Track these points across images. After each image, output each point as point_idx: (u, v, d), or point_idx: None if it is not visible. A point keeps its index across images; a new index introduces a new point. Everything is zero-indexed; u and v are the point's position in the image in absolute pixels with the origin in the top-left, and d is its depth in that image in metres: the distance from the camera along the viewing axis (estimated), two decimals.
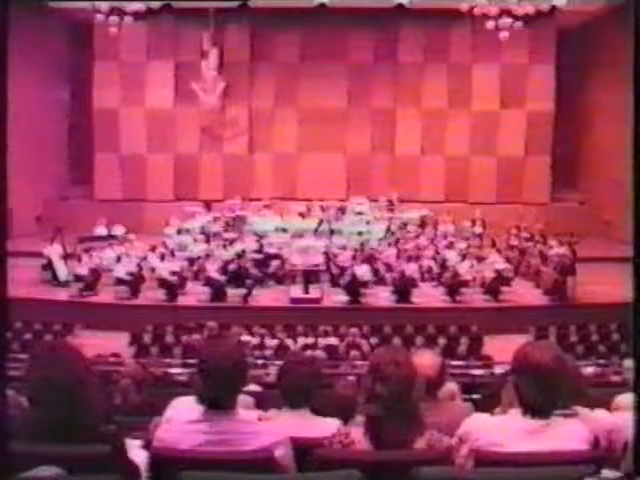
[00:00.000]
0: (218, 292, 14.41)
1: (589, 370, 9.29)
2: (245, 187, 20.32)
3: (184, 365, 10.39)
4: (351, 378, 7.43)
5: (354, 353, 11.16)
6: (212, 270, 14.69)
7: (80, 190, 21.17)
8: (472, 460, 2.57)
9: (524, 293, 15.13)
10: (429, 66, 20.56)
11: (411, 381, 2.59)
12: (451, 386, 4.22)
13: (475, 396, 6.13)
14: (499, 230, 18.07)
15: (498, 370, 9.94)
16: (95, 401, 2.53)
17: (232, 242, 16.51)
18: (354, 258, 15.48)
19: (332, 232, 17.51)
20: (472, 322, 13.33)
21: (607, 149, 18.74)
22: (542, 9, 18.07)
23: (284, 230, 17.61)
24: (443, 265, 15.57)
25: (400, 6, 18.93)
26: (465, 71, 20.43)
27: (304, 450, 2.63)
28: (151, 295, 14.63)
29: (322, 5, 18.78)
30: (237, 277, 14.71)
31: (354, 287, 14.41)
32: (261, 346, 11.89)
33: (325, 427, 2.95)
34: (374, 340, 12.21)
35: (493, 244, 16.99)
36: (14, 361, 4.37)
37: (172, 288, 14.45)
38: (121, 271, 14.73)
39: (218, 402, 2.62)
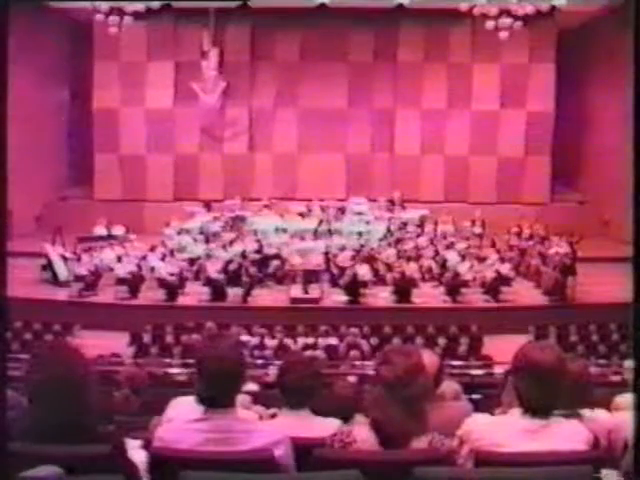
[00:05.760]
0: (218, 292, 14.42)
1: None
2: (245, 187, 20.30)
3: (184, 365, 10.41)
4: (351, 378, 7.44)
5: (354, 353, 11.18)
6: (212, 270, 14.70)
7: (80, 190, 21.15)
8: (472, 460, 2.57)
9: (524, 293, 15.12)
10: (429, 66, 20.54)
11: (417, 370, 2.59)
12: (454, 386, 4.23)
13: (475, 396, 6.13)
14: (499, 230, 18.06)
15: (498, 370, 9.96)
16: (95, 401, 2.53)
17: (232, 242, 16.52)
18: (354, 258, 15.49)
19: (332, 232, 17.52)
20: (472, 322, 13.34)
21: (607, 149, 18.74)
22: (542, 9, 18.06)
23: (284, 230, 17.61)
24: (443, 265, 15.58)
25: (400, 6, 18.90)
26: (465, 71, 20.41)
27: (304, 450, 2.63)
28: (151, 295, 14.64)
29: (322, 5, 18.75)
30: (237, 277, 14.71)
31: (354, 287, 14.41)
32: (261, 346, 11.91)
33: (325, 427, 2.95)
34: (374, 340, 12.23)
35: (493, 244, 16.99)
36: (14, 361, 4.36)
37: (172, 288, 14.46)
38: (121, 271, 14.75)
39: (217, 402, 2.62)
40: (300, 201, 19.58)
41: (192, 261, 15.85)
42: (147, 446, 2.82)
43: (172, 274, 14.63)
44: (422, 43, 20.34)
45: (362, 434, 2.59)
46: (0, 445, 2.24)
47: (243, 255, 15.52)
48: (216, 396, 2.62)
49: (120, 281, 14.66)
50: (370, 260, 15.60)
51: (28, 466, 2.25)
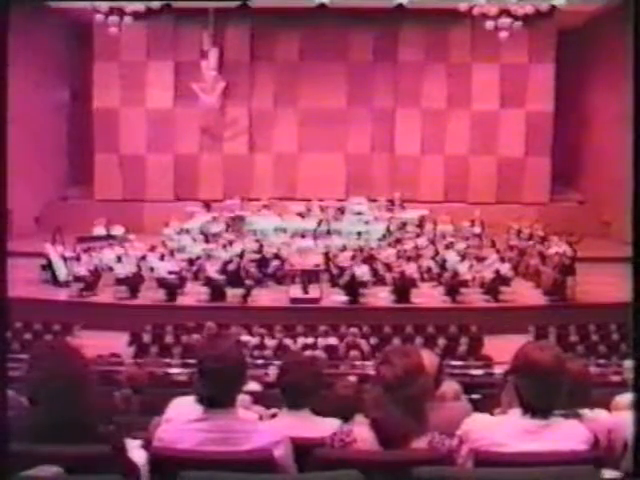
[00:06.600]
0: (217, 292, 14.42)
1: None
2: (245, 187, 20.31)
3: (184, 365, 10.39)
4: (351, 378, 7.43)
5: (354, 353, 11.16)
6: (211, 270, 14.70)
7: (80, 190, 21.17)
8: (472, 460, 2.57)
9: (524, 293, 15.12)
10: (429, 66, 20.57)
11: (417, 370, 2.59)
12: (454, 386, 4.23)
13: (475, 396, 6.13)
14: (499, 230, 18.07)
15: (498, 370, 9.95)
16: (95, 401, 2.53)
17: (231, 242, 16.52)
18: (353, 258, 15.49)
19: (331, 232, 17.53)
20: (472, 322, 13.32)
21: (607, 149, 18.74)
22: (542, 9, 18.10)
23: (284, 230, 17.64)
24: (442, 265, 15.58)
25: (400, 6, 18.93)
26: (465, 71, 20.43)
27: (304, 450, 2.63)
28: (151, 295, 14.64)
29: (322, 5, 18.77)
30: (236, 277, 14.71)
31: (353, 287, 14.42)
32: (261, 346, 11.90)
33: (325, 427, 2.95)
34: (374, 340, 12.22)
35: (492, 244, 16.99)
36: (14, 361, 4.36)
37: (171, 288, 14.47)
38: (121, 271, 14.75)
39: (217, 402, 2.62)
40: (300, 201, 19.60)
41: (191, 261, 15.85)
42: (147, 446, 2.82)
43: (172, 272, 14.63)
44: (422, 43, 20.36)
45: (362, 434, 2.59)
46: (0, 445, 2.24)
47: (242, 255, 15.53)
48: (216, 396, 2.62)
49: (120, 281, 14.67)
50: (370, 260, 15.60)
51: (28, 466, 2.25)
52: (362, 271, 14.67)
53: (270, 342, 12.04)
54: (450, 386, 4.07)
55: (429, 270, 15.77)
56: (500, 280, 14.67)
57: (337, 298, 14.65)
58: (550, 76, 20.20)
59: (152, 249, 16.02)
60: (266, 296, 14.92)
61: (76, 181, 21.45)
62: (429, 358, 3.39)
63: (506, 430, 2.56)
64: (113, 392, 6.59)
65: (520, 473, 2.40)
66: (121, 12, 18.01)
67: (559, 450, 2.50)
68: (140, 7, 18.10)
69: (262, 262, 15.75)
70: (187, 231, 17.52)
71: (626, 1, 14.29)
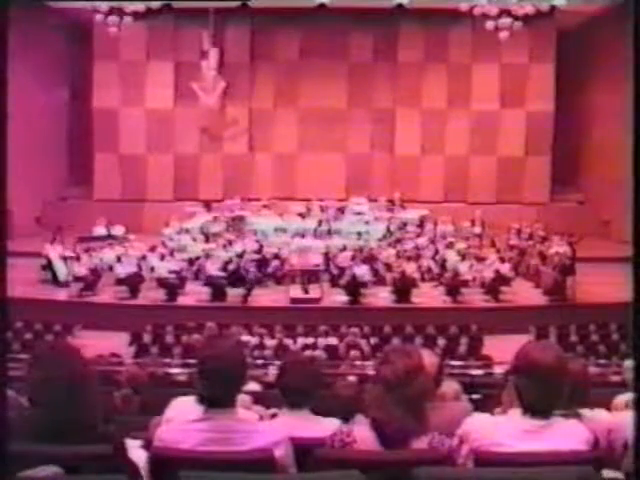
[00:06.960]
0: (218, 292, 14.42)
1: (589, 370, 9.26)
2: (245, 187, 20.32)
3: (184, 365, 10.39)
4: (351, 378, 7.44)
5: (354, 353, 11.16)
6: (212, 270, 14.70)
7: (80, 190, 21.15)
8: (472, 460, 2.57)
9: (524, 293, 15.12)
10: (429, 66, 20.57)
11: (417, 370, 2.60)
12: (454, 386, 4.23)
13: (475, 396, 6.13)
14: (499, 230, 18.07)
15: (498, 370, 9.95)
16: (95, 401, 2.53)
17: (231, 242, 16.53)
18: (354, 258, 15.49)
19: (331, 232, 17.53)
20: (472, 322, 13.33)
21: (607, 149, 18.73)
22: (542, 9, 18.07)
23: (284, 230, 17.63)
24: (443, 265, 15.59)
25: (400, 6, 18.93)
26: (465, 71, 20.43)
27: (304, 450, 2.63)
28: (151, 295, 14.64)
29: (322, 5, 18.76)
30: (236, 277, 14.71)
31: (354, 287, 14.41)
32: (261, 346, 11.90)
33: (325, 427, 2.95)
34: (374, 340, 12.22)
35: (493, 244, 16.99)
36: (14, 361, 4.36)
37: (172, 288, 14.46)
38: (121, 271, 14.75)
39: (218, 401, 2.62)
40: (300, 201, 19.60)
41: (191, 261, 15.85)
42: (147, 446, 2.82)
43: (172, 272, 14.63)
44: (422, 43, 20.36)
45: (362, 434, 2.59)
46: (0, 445, 2.24)
47: (241, 255, 15.53)
48: (216, 396, 2.62)
49: (120, 281, 14.66)
50: (370, 260, 15.60)
51: (28, 466, 2.25)
52: (362, 271, 14.67)
53: (270, 342, 12.04)
54: (450, 386, 4.08)
55: (429, 270, 15.77)
56: (500, 280, 14.67)
57: (337, 298, 14.65)
58: (550, 76, 20.20)
59: (152, 249, 16.01)
60: (266, 296, 14.91)
61: (76, 181, 21.44)
62: (429, 358, 3.40)
63: (506, 430, 2.56)
64: (113, 392, 6.59)
65: (520, 473, 2.39)
66: (121, 12, 17.99)
67: (559, 450, 2.50)
68: (140, 7, 18.07)
69: (262, 262, 15.74)
70: (187, 231, 17.52)
71: (626, 1, 14.30)
